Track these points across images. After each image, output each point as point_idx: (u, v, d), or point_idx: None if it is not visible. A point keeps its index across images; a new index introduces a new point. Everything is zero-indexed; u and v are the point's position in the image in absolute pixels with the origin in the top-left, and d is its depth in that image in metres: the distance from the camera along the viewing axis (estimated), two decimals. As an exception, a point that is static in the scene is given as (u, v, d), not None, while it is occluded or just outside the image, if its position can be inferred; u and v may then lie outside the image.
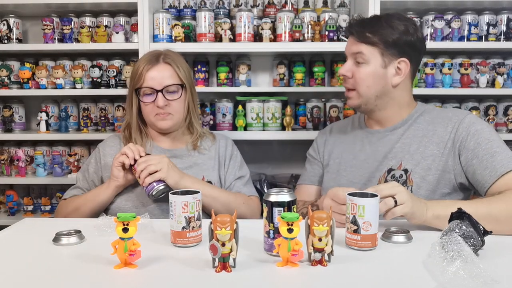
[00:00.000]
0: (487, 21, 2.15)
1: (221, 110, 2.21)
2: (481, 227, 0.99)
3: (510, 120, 2.20)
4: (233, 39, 2.15)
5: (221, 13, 2.27)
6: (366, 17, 1.49)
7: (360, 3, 2.20)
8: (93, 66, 2.22)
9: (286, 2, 2.28)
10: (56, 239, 1.09)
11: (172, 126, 1.53)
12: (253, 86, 2.31)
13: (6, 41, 2.19)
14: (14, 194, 2.27)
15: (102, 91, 2.22)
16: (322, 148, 1.58)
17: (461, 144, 1.33)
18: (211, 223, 0.90)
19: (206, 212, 1.38)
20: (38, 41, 2.31)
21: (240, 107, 2.16)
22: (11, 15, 2.22)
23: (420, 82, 2.19)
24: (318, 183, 1.57)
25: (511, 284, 0.85)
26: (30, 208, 2.32)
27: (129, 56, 2.27)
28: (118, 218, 0.91)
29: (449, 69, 2.13)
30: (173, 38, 2.13)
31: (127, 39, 2.22)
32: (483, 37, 2.16)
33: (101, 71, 2.22)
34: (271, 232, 0.98)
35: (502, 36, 2.15)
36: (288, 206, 0.97)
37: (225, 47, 2.13)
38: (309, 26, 2.14)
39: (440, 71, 2.17)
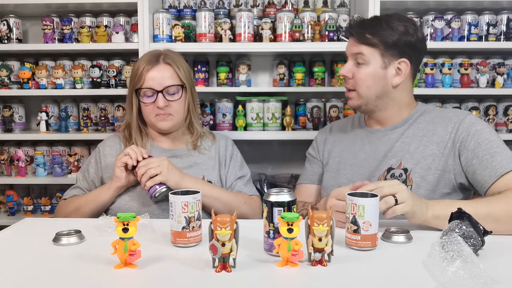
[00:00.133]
0: (487, 21, 2.15)
1: (221, 110, 2.21)
2: (481, 227, 0.99)
3: (510, 120, 2.20)
4: (233, 39, 2.15)
5: (221, 13, 2.27)
6: (366, 17, 1.48)
7: (360, 3, 2.20)
8: (93, 66, 2.22)
9: (286, 2, 2.28)
10: (56, 239, 1.09)
11: (172, 126, 1.53)
12: (253, 86, 2.31)
13: (6, 41, 2.19)
14: (14, 194, 2.27)
15: (102, 91, 2.22)
16: (321, 147, 1.58)
17: (461, 144, 1.33)
18: (211, 223, 0.90)
19: (207, 212, 1.38)
20: (38, 41, 2.31)
21: (240, 107, 2.16)
22: (11, 15, 2.22)
23: (420, 82, 2.19)
24: (318, 182, 1.57)
25: (511, 284, 0.85)
26: (30, 208, 2.32)
27: (129, 56, 2.27)
28: (118, 218, 0.91)
29: (449, 69, 2.13)
30: (173, 38, 2.13)
31: (127, 39, 2.22)
32: (483, 37, 2.16)
33: (101, 71, 2.22)
34: (271, 232, 0.98)
35: (502, 36, 2.15)
36: (288, 206, 0.97)
37: (225, 47, 2.13)
38: (309, 26, 2.14)
39: (440, 71, 2.17)
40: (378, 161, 1.41)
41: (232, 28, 2.17)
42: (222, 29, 2.13)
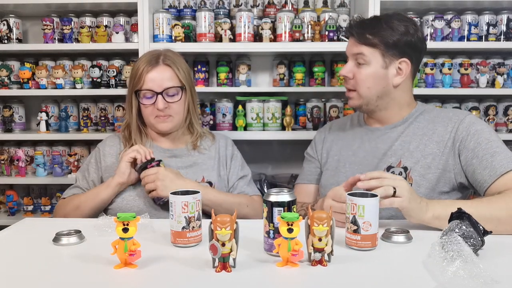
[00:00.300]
0: (487, 21, 2.15)
1: (221, 110, 2.21)
2: (481, 227, 0.99)
3: (510, 120, 2.20)
4: (233, 39, 2.15)
5: (221, 13, 2.27)
6: (366, 18, 1.48)
7: (360, 3, 2.20)
8: (93, 66, 2.22)
9: (286, 2, 2.28)
10: (56, 239, 1.09)
11: (172, 128, 1.53)
12: (253, 86, 2.31)
13: (6, 41, 2.19)
14: (14, 194, 2.27)
15: (102, 91, 2.22)
16: (320, 146, 1.58)
17: (460, 143, 1.33)
18: (211, 223, 0.90)
19: (207, 215, 1.38)
20: (38, 41, 2.32)
21: (240, 107, 2.16)
22: (11, 15, 2.22)
23: (420, 82, 2.19)
24: (316, 182, 1.57)
25: (511, 284, 0.85)
26: (30, 208, 2.32)
27: (129, 56, 2.27)
28: (118, 218, 0.91)
29: (449, 69, 2.13)
30: (173, 38, 2.13)
31: (127, 39, 2.22)
32: (483, 37, 2.16)
33: (101, 71, 2.22)
34: (271, 232, 0.98)
35: (502, 36, 2.15)
36: (288, 206, 0.97)
37: (225, 47, 2.13)
38: (309, 26, 2.14)
39: (440, 71, 2.17)
40: (377, 159, 1.41)
41: (232, 28, 2.17)
42: (222, 29, 2.13)
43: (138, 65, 1.50)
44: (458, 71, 2.18)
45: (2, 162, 2.26)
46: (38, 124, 2.23)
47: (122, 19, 2.25)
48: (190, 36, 2.19)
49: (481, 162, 1.28)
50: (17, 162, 2.25)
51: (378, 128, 1.47)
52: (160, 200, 1.41)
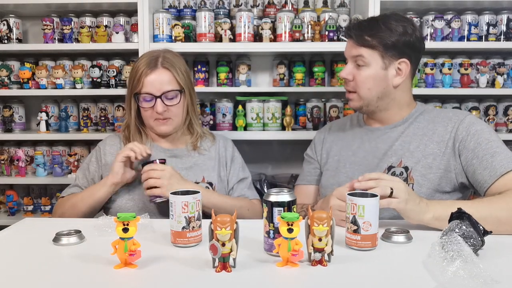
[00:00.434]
0: (487, 21, 2.15)
1: (221, 110, 2.21)
2: (481, 227, 0.99)
3: (510, 120, 2.20)
4: (233, 39, 2.15)
5: (221, 13, 2.27)
6: (365, 18, 1.48)
7: (360, 3, 2.20)
8: (93, 66, 2.22)
9: (286, 2, 2.28)
10: (56, 239, 1.09)
11: (171, 130, 1.53)
12: (253, 86, 2.31)
13: (6, 41, 2.19)
14: (14, 194, 2.27)
15: (102, 91, 2.22)
16: (319, 147, 1.58)
17: (460, 144, 1.33)
18: (211, 223, 0.90)
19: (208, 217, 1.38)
20: (38, 41, 2.32)
21: (240, 107, 2.16)
22: (11, 15, 2.22)
23: (420, 82, 2.19)
24: (316, 183, 1.57)
25: (511, 284, 0.85)
26: (30, 208, 2.32)
27: (129, 56, 2.27)
28: (118, 218, 0.91)
29: (449, 69, 2.13)
30: (173, 38, 2.13)
31: (127, 39, 2.22)
32: (483, 37, 2.16)
33: (101, 71, 2.22)
34: (271, 232, 0.98)
35: (502, 36, 2.15)
36: (288, 206, 0.97)
37: (225, 47, 2.13)
38: (309, 26, 2.14)
39: (440, 71, 2.17)
40: (378, 159, 1.41)
41: (232, 28, 2.17)
42: (222, 29, 2.13)
43: (137, 67, 1.48)
44: (458, 71, 2.18)
45: (2, 162, 2.26)
46: (38, 124, 2.23)
47: (122, 19, 2.25)
48: (190, 36, 2.19)
49: (481, 162, 1.28)
50: (17, 162, 2.25)
51: (378, 128, 1.47)
52: (156, 198, 1.37)
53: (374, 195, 1.03)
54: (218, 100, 2.23)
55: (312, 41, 2.14)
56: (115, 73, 2.19)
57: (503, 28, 2.14)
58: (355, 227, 1.01)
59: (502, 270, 0.90)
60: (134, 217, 0.92)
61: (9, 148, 2.34)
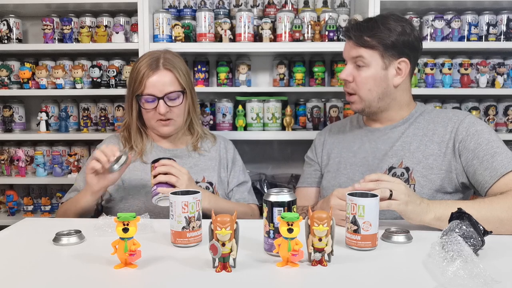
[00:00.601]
0: (487, 21, 2.15)
1: (221, 110, 2.21)
2: (481, 227, 0.99)
3: (510, 120, 2.20)
4: (233, 39, 2.15)
5: (221, 13, 2.27)
6: (361, 20, 1.48)
7: (360, 3, 2.20)
8: (93, 66, 2.22)
9: (286, 2, 2.28)
10: (56, 239, 1.09)
11: (173, 131, 1.53)
12: (253, 86, 2.31)
13: (6, 41, 2.19)
14: (14, 194, 2.27)
15: (102, 91, 2.22)
16: (320, 149, 1.58)
17: (460, 144, 1.33)
18: (211, 223, 0.90)
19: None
20: (38, 41, 2.32)
21: (240, 107, 2.16)
22: (11, 15, 2.22)
23: (420, 82, 2.19)
24: (317, 185, 1.57)
25: (511, 284, 0.85)
26: (30, 208, 2.32)
27: (129, 56, 2.27)
28: (118, 218, 0.91)
29: (449, 69, 2.13)
30: (173, 38, 2.13)
31: (127, 39, 2.22)
32: (483, 37, 2.16)
33: (101, 71, 2.22)
34: (271, 232, 0.98)
35: (502, 36, 2.15)
36: (288, 206, 0.97)
37: (225, 47, 2.13)
38: (309, 26, 2.14)
39: (440, 71, 2.17)
40: (378, 160, 1.41)
41: (232, 28, 2.17)
42: (222, 29, 2.13)
43: (138, 68, 1.48)
44: (458, 71, 2.18)
45: (2, 162, 2.26)
46: (38, 124, 2.23)
47: (122, 19, 2.25)
48: (190, 36, 2.19)
49: (481, 163, 1.28)
50: (17, 162, 2.25)
51: (378, 128, 1.47)
52: (158, 193, 1.29)
53: (374, 195, 1.03)
54: (218, 100, 2.23)
55: (312, 41, 2.14)
56: (115, 73, 2.19)
57: (503, 28, 2.14)
58: (355, 227, 1.01)
59: (502, 270, 0.90)
60: (134, 217, 0.92)
61: (9, 148, 2.34)
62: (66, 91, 2.21)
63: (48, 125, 2.24)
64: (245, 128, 2.19)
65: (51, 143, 2.34)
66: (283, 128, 2.20)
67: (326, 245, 0.92)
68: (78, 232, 1.11)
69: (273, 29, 2.16)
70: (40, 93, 2.22)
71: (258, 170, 2.35)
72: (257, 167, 2.35)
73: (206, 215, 1.33)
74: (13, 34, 2.21)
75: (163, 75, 1.47)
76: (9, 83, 2.23)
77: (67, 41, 2.18)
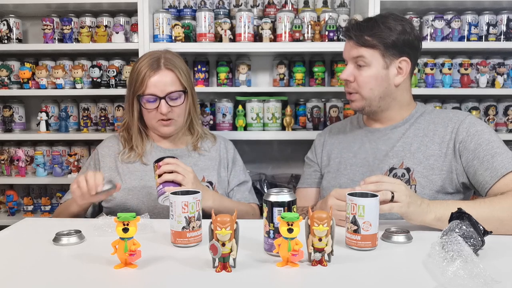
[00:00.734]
0: (487, 21, 2.15)
1: (221, 110, 2.21)
2: (481, 227, 0.99)
3: (510, 120, 2.20)
4: (233, 39, 2.15)
5: (221, 13, 2.27)
6: (361, 20, 1.48)
7: (360, 3, 2.20)
8: (93, 66, 2.22)
9: (286, 2, 2.28)
10: (56, 239, 1.09)
11: (174, 131, 1.54)
12: (253, 86, 2.31)
13: (6, 41, 2.19)
14: (14, 194, 2.27)
15: (102, 91, 2.22)
16: (320, 150, 1.58)
17: (461, 144, 1.33)
18: (211, 223, 0.90)
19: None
20: (38, 41, 2.32)
21: (240, 107, 2.16)
22: (11, 15, 2.22)
23: (420, 82, 2.19)
24: (317, 185, 1.57)
25: (511, 284, 0.85)
26: (30, 208, 2.32)
27: (129, 56, 2.27)
28: (118, 218, 0.91)
29: (449, 69, 2.13)
30: (173, 38, 2.13)
31: (127, 39, 2.22)
32: (483, 37, 2.16)
33: (101, 71, 2.22)
34: (271, 232, 0.98)
35: (502, 36, 2.15)
36: (288, 206, 0.97)
37: (225, 47, 2.13)
38: (309, 26, 2.14)
39: (440, 71, 2.17)
40: (379, 160, 1.41)
41: (232, 28, 2.17)
42: (222, 29, 2.13)
43: (138, 68, 1.48)
44: (458, 71, 2.18)
45: (2, 162, 2.26)
46: (38, 124, 2.23)
47: (122, 19, 2.25)
48: (190, 36, 2.19)
49: (482, 163, 1.28)
50: (17, 162, 2.25)
51: (378, 129, 1.47)
52: (165, 193, 1.27)
53: (374, 195, 1.03)
54: (218, 100, 2.23)
55: (312, 41, 2.14)
56: (115, 73, 2.19)
57: (503, 28, 2.14)
58: (355, 227, 1.01)
59: (502, 270, 0.90)
60: (134, 217, 0.92)
61: (9, 148, 2.34)
62: (66, 91, 2.21)
63: (48, 125, 2.24)
64: (245, 128, 2.19)
65: (51, 143, 2.34)
66: (283, 128, 2.20)
67: (326, 245, 0.92)
68: (78, 232, 1.11)
69: (273, 29, 2.16)
70: (40, 93, 2.22)
71: (258, 170, 2.35)
72: (257, 167, 2.35)
73: (207, 215, 1.33)
74: (13, 34, 2.21)
75: (165, 75, 1.47)
76: (9, 83, 2.23)
77: (67, 41, 2.18)
